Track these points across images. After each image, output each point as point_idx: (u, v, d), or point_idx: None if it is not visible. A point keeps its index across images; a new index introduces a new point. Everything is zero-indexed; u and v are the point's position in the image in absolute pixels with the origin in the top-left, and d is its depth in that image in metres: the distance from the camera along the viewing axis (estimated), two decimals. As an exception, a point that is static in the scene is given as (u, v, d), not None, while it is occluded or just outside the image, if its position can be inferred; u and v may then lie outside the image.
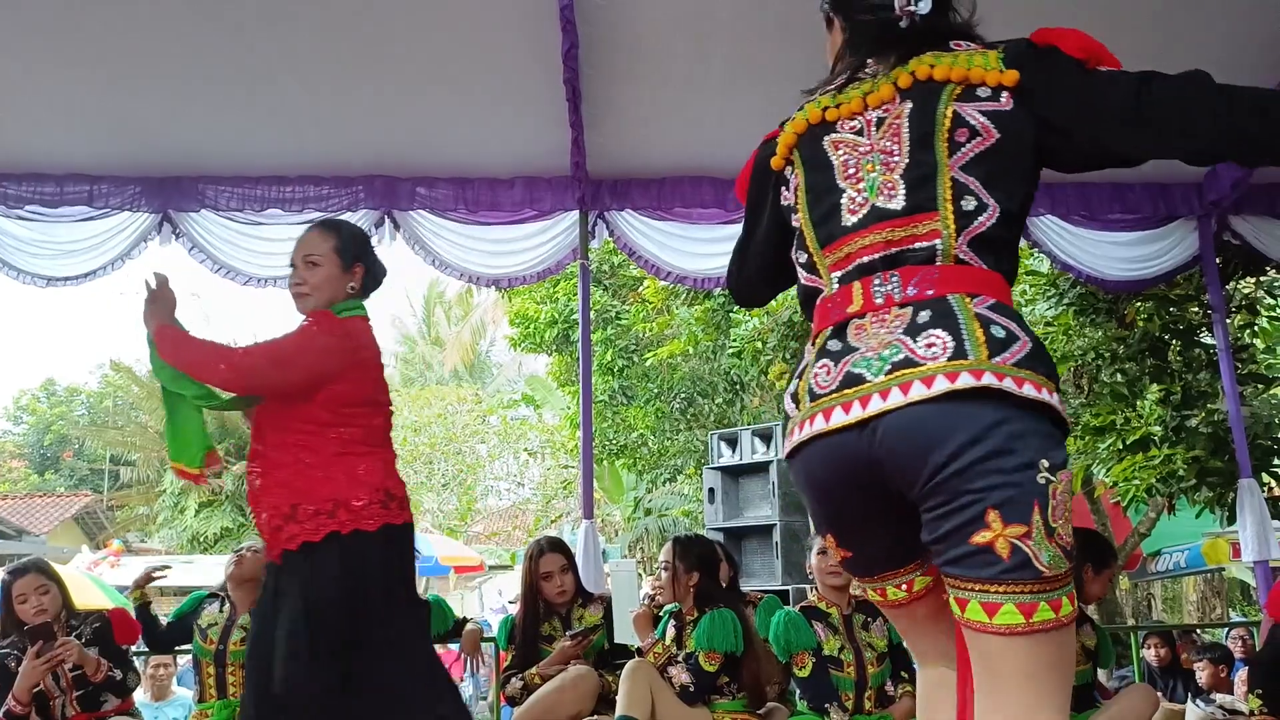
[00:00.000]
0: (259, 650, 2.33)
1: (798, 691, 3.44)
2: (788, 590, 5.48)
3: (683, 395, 11.40)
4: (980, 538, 1.28)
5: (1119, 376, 6.27)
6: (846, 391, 1.38)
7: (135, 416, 23.42)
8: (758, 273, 1.78)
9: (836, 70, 1.61)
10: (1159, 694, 4.05)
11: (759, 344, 8.50)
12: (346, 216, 4.61)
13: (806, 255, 1.55)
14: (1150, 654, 6.40)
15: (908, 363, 1.34)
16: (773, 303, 8.15)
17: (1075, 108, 1.42)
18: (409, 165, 4.63)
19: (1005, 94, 1.43)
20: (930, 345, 1.34)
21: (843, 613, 3.39)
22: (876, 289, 1.43)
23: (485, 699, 7.87)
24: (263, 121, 4.33)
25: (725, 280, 1.94)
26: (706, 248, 4.88)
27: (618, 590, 3.69)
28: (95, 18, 3.66)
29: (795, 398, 1.50)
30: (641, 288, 10.81)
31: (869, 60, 1.54)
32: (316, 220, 2.82)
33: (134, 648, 3.97)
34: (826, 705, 3.24)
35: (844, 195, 1.49)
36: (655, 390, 11.56)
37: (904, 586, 1.54)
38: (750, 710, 3.38)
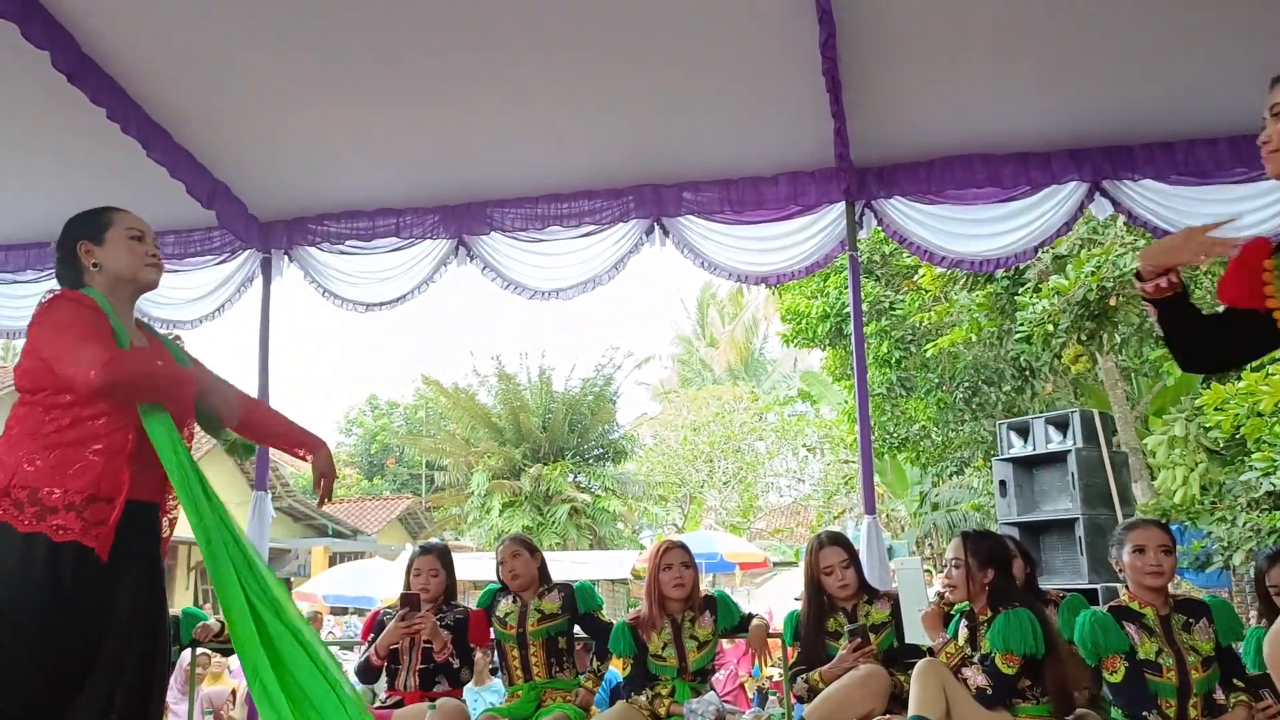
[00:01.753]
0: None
1: (1111, 698, 3.19)
2: (1095, 589, 5.09)
3: (966, 384, 10.88)
4: None
5: None
6: None
7: (445, 425, 25.65)
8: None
9: None
10: None
11: (1050, 327, 7.94)
12: (618, 226, 4.83)
13: None
14: None
15: None
16: (1063, 282, 7.62)
17: None
18: (674, 172, 4.74)
19: None
20: None
21: (1159, 613, 3.10)
22: None
23: (775, 695, 7.90)
24: (538, 145, 4.60)
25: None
26: (983, 229, 4.62)
27: (904, 588, 3.57)
28: (392, 76, 4.06)
29: None
30: (917, 276, 10.43)
31: None
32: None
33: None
34: (1144, 713, 2.99)
35: None
36: (935, 380, 11.11)
37: None
38: (1056, 715, 3.16)
